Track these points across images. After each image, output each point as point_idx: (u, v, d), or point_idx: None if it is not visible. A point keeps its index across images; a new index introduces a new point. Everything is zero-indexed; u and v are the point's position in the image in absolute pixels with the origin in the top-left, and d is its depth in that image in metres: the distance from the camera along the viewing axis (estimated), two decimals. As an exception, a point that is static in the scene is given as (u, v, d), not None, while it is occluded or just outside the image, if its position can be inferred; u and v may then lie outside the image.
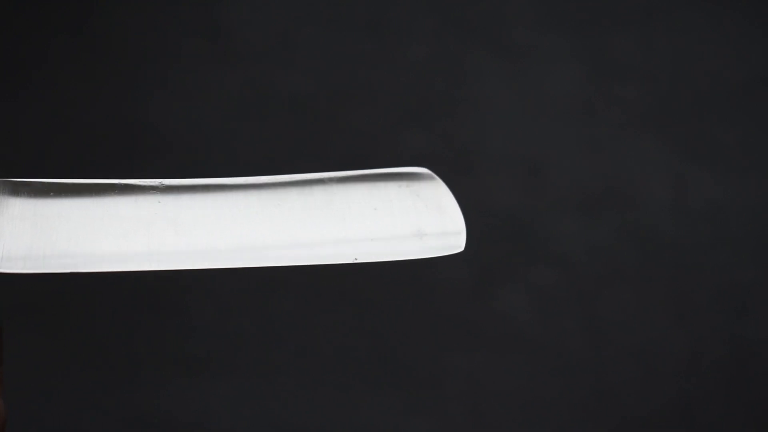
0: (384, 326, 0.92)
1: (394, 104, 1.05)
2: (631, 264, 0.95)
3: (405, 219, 0.33)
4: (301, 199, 0.33)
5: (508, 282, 0.94)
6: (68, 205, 0.32)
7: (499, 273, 0.95)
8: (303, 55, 1.08)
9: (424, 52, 1.08)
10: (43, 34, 1.08)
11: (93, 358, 0.91)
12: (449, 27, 1.10)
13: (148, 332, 0.92)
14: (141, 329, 0.92)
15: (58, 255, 0.31)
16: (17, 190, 0.32)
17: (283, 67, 1.07)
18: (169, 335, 0.92)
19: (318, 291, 0.94)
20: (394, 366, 0.91)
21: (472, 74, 1.07)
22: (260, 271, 0.94)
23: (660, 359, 0.91)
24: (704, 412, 0.89)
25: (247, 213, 0.33)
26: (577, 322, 0.93)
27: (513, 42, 1.08)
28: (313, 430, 0.89)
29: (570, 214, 0.97)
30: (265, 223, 0.32)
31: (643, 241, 0.96)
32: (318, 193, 0.33)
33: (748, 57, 1.06)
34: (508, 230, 0.97)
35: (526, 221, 0.97)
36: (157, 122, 1.02)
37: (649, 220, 0.97)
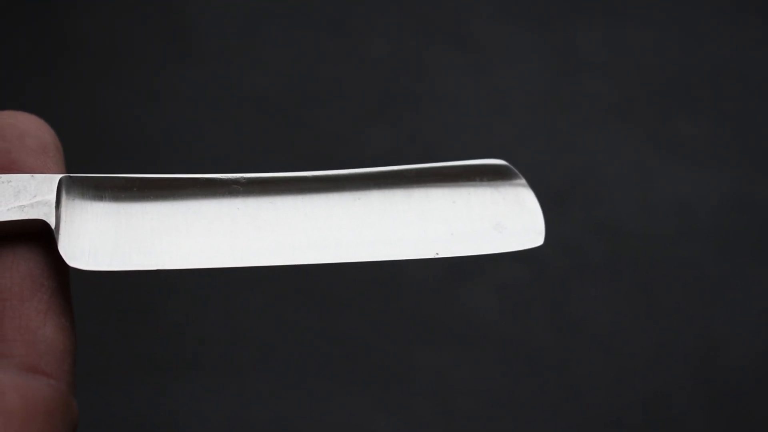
0: (353, 324, 0.92)
1: (358, 101, 1.05)
2: (600, 259, 0.95)
3: (484, 213, 0.33)
4: (380, 193, 0.33)
5: (475, 278, 0.94)
6: (151, 201, 0.32)
7: (466, 269, 0.95)
8: (266, 53, 1.07)
9: (388, 48, 1.08)
10: (7, 36, 1.06)
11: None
12: (412, 23, 1.09)
13: (117, 334, 0.91)
14: (109, 331, 0.91)
15: (144, 252, 0.31)
16: (101, 186, 0.32)
17: (247, 66, 1.06)
18: (137, 336, 0.91)
19: (287, 290, 0.94)
20: (363, 364, 0.91)
21: (435, 70, 1.07)
22: (229, 270, 0.93)
23: (629, 354, 0.91)
24: (674, 406, 0.89)
25: (327, 208, 0.32)
26: (545, 317, 0.93)
27: (477, 36, 1.08)
28: (283, 428, 0.89)
29: (537, 210, 0.97)
30: (346, 217, 0.32)
31: (611, 236, 0.97)
32: (396, 187, 0.33)
33: (713, 49, 1.07)
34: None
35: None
36: (124, 122, 1.01)
37: (617, 215, 0.98)
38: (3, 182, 0.30)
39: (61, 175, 0.31)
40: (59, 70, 1.05)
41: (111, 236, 0.31)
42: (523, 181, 0.33)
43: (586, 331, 0.92)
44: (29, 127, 0.32)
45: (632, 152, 1.01)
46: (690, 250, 0.96)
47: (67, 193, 0.31)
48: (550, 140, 1.01)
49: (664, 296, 0.93)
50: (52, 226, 0.30)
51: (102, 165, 0.96)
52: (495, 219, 0.32)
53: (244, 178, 0.32)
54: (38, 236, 0.30)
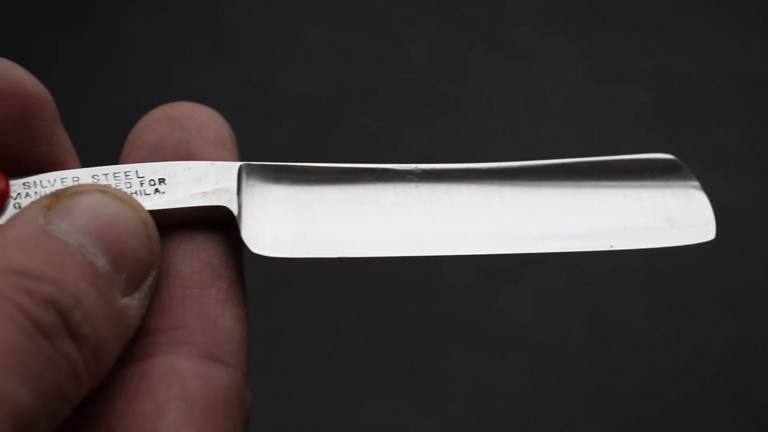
0: (389, 327, 0.92)
1: (395, 103, 1.05)
2: (636, 265, 0.96)
3: (654, 206, 0.33)
4: (551, 186, 0.33)
5: (512, 283, 0.94)
6: (329, 189, 0.32)
7: (503, 273, 0.95)
8: (305, 53, 1.07)
9: (426, 51, 1.08)
10: (45, 33, 1.06)
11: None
12: (451, 26, 1.10)
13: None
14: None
15: (324, 240, 0.31)
16: (280, 174, 0.32)
17: (285, 66, 1.06)
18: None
19: (323, 290, 0.94)
20: (398, 367, 0.91)
21: (474, 74, 1.07)
22: (265, 269, 0.93)
23: (664, 361, 0.92)
24: (708, 414, 0.90)
25: (500, 198, 0.32)
26: (581, 323, 0.93)
27: (515, 41, 1.08)
28: (317, 429, 0.89)
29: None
30: (519, 209, 0.32)
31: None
32: (567, 180, 0.33)
33: (752, 57, 1.07)
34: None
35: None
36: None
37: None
38: (184, 169, 0.30)
39: (240, 163, 0.31)
40: (96, 68, 1.04)
41: (291, 223, 0.31)
42: (691, 176, 0.33)
43: (621, 337, 0.92)
44: (207, 119, 0.32)
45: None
46: (725, 258, 0.96)
47: (247, 180, 0.31)
48: (587, 145, 1.02)
49: (700, 303, 0.94)
50: (235, 212, 0.30)
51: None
52: (665, 213, 0.33)
53: (419, 169, 0.32)
54: (215, 225, 0.30)
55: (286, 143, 1.02)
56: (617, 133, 1.02)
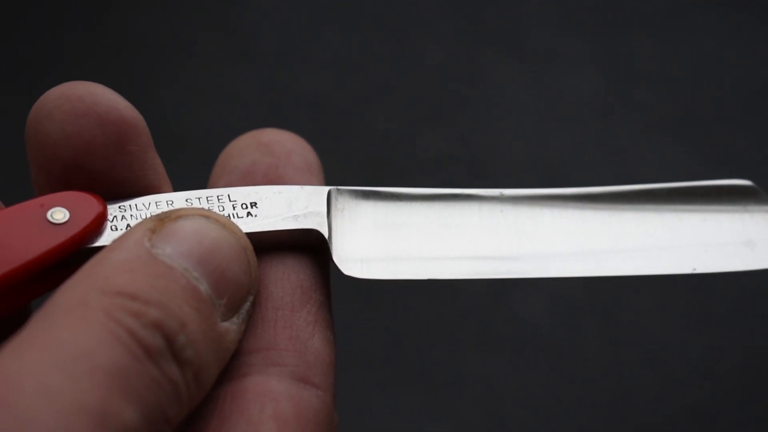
0: (403, 328, 0.92)
1: (411, 106, 1.05)
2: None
3: (733, 231, 0.34)
4: (633, 210, 0.33)
5: (527, 285, 0.95)
6: (416, 212, 0.32)
7: (517, 277, 0.95)
8: (320, 55, 1.07)
9: (442, 54, 1.08)
10: (58, 30, 1.06)
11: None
12: (467, 29, 1.10)
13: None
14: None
15: (412, 261, 0.31)
16: (367, 199, 0.32)
17: (300, 67, 1.06)
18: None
19: (337, 291, 0.94)
20: (412, 368, 0.91)
21: (489, 77, 1.07)
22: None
23: (678, 365, 0.92)
24: (721, 419, 0.90)
25: (583, 222, 0.33)
26: (595, 326, 0.94)
27: (532, 45, 1.09)
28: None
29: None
30: (602, 233, 0.33)
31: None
32: (648, 204, 0.34)
33: (766, 61, 1.08)
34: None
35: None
36: (172, 120, 1.01)
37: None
38: (275, 193, 0.31)
39: (329, 187, 0.32)
40: (115, 69, 1.04)
41: (380, 246, 0.31)
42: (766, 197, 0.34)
43: (635, 341, 0.93)
44: (295, 146, 0.32)
45: (685, 162, 1.01)
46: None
47: (336, 203, 0.32)
48: (603, 149, 1.02)
49: (715, 308, 0.94)
50: (326, 235, 0.31)
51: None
52: (745, 236, 0.33)
53: (503, 194, 0.33)
54: (306, 248, 0.31)
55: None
56: (632, 135, 1.03)
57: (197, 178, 1.01)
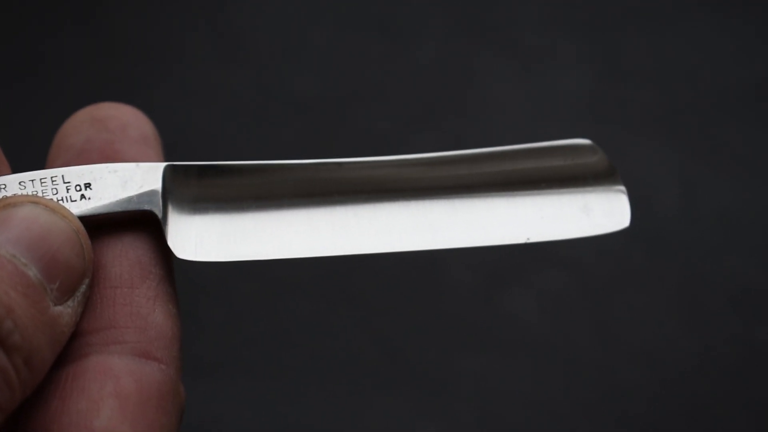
0: (393, 328, 0.92)
1: (404, 105, 1.05)
2: (641, 267, 0.95)
3: (571, 196, 0.32)
4: (470, 178, 0.33)
5: (517, 284, 0.94)
6: (252, 188, 0.32)
7: (507, 275, 0.95)
8: (311, 55, 1.08)
9: (434, 53, 1.08)
10: (46, 30, 1.06)
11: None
12: (459, 28, 1.10)
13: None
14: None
15: (248, 242, 0.31)
16: (204, 176, 0.32)
17: (291, 68, 1.06)
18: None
19: (326, 293, 0.94)
20: (403, 368, 0.91)
21: (482, 76, 1.07)
22: (269, 272, 0.93)
23: (668, 361, 0.91)
24: (711, 413, 0.89)
25: (422, 192, 0.32)
26: (586, 324, 0.93)
27: (523, 44, 1.08)
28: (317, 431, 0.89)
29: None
30: (438, 205, 0.32)
31: (653, 245, 0.96)
32: (488, 169, 0.33)
33: (758, 60, 1.07)
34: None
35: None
36: (162, 122, 1.01)
37: (660, 223, 0.97)
38: (110, 172, 0.31)
39: (165, 164, 0.31)
40: (103, 69, 1.04)
41: (216, 226, 0.31)
42: (608, 161, 0.33)
43: (627, 339, 0.92)
44: (130, 119, 0.32)
45: (677, 161, 1.01)
46: (732, 259, 0.95)
47: (172, 182, 0.31)
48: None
49: (706, 306, 0.93)
50: (160, 216, 0.31)
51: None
52: (582, 201, 0.32)
53: (342, 164, 0.32)
54: (143, 223, 0.31)
55: (293, 144, 1.02)
56: (626, 134, 1.02)
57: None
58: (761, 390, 0.90)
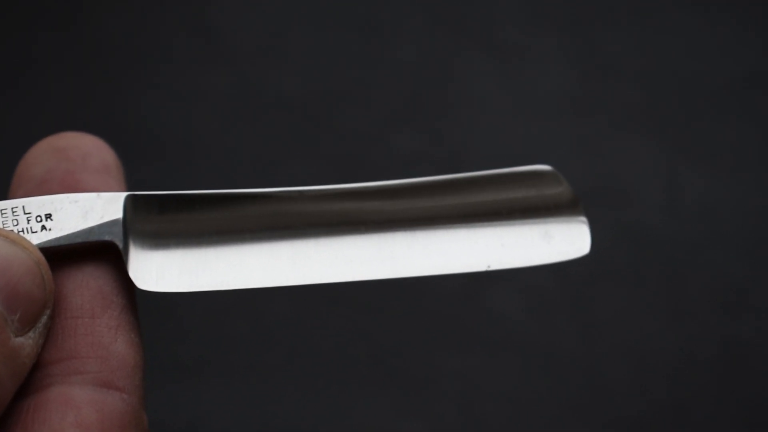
0: (376, 327, 0.92)
1: (385, 104, 1.05)
2: (624, 263, 0.95)
3: (532, 223, 0.33)
4: (431, 204, 0.33)
5: (500, 281, 0.94)
6: (213, 219, 0.32)
7: (491, 273, 0.95)
8: (293, 55, 1.07)
9: (415, 51, 1.08)
10: (30, 31, 1.06)
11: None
12: (440, 27, 1.10)
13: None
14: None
15: (209, 272, 0.31)
16: (165, 206, 0.32)
17: (273, 68, 1.06)
18: (159, 340, 0.92)
19: (309, 292, 0.94)
20: (387, 367, 0.91)
21: (462, 74, 1.07)
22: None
23: (652, 358, 0.92)
24: (696, 411, 0.90)
25: (382, 222, 0.32)
26: (569, 321, 0.93)
27: (504, 41, 1.08)
28: (302, 431, 0.89)
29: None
30: (400, 234, 0.32)
31: (636, 241, 0.96)
32: (448, 198, 0.33)
33: (737, 55, 1.07)
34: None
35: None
36: (148, 123, 1.01)
37: (642, 219, 0.97)
38: (71, 202, 0.31)
39: (126, 194, 0.31)
40: (88, 72, 1.04)
41: (177, 256, 0.31)
42: (569, 188, 0.33)
43: (610, 336, 0.92)
44: (92, 149, 0.32)
45: (658, 157, 1.01)
46: (716, 256, 0.95)
47: (133, 212, 0.31)
48: (577, 144, 1.01)
49: (689, 302, 0.93)
50: (121, 247, 0.31)
51: (127, 167, 0.96)
52: (543, 228, 0.32)
53: (303, 193, 0.32)
54: (104, 252, 0.31)
55: (275, 145, 1.02)
56: (608, 132, 1.02)
57: (172, 181, 1.01)
58: (746, 387, 0.91)
